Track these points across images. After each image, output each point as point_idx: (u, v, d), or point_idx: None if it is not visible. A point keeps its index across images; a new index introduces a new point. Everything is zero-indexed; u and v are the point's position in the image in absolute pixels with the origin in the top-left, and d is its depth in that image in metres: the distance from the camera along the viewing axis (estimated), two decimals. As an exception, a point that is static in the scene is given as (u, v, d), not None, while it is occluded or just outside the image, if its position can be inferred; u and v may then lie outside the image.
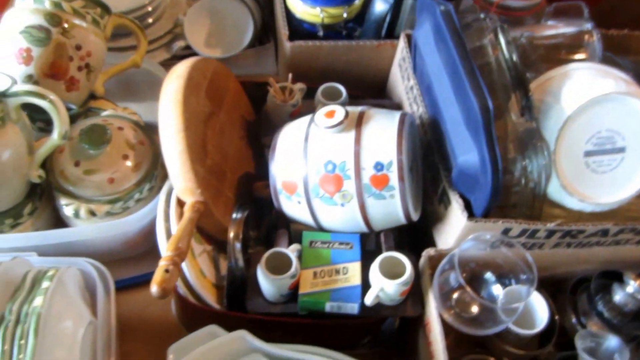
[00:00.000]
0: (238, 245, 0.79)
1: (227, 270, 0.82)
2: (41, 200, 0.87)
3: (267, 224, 0.89)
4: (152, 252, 0.92)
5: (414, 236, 0.88)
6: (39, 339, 0.59)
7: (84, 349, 0.68)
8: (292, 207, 0.81)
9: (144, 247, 0.92)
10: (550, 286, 0.86)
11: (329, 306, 0.76)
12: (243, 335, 0.73)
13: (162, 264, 0.69)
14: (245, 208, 0.83)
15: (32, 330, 0.59)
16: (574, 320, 0.85)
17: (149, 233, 0.88)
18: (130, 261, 0.92)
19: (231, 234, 0.79)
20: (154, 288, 0.67)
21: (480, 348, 0.84)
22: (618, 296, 0.82)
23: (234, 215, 0.82)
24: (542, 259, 0.80)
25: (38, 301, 0.61)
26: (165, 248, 0.76)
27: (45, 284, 0.64)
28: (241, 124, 0.95)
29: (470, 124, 0.72)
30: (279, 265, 0.76)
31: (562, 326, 0.85)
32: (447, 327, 0.75)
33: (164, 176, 0.88)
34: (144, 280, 0.92)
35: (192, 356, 0.72)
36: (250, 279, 0.80)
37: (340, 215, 0.78)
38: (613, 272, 0.85)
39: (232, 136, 0.91)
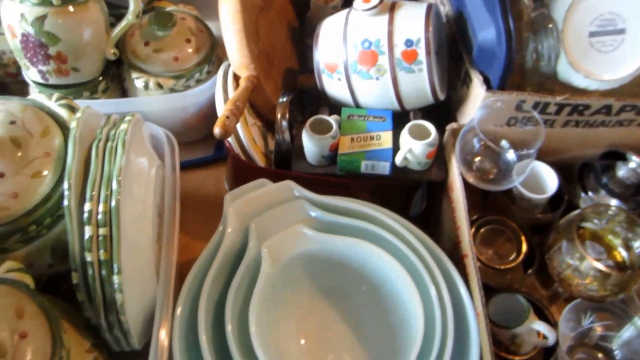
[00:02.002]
0: (285, 123, 0.91)
1: (274, 143, 0.93)
2: (113, 81, 1.00)
3: (310, 110, 1.01)
4: (206, 140, 1.05)
5: (439, 121, 0.98)
6: (125, 152, 0.70)
7: (155, 189, 0.80)
8: (333, 84, 0.92)
9: (200, 132, 1.05)
10: (560, 172, 0.95)
11: (364, 165, 0.87)
12: (289, 185, 0.85)
13: (223, 113, 0.81)
14: (290, 93, 0.95)
15: (120, 144, 0.71)
16: (582, 195, 0.95)
17: (205, 116, 1.01)
18: (188, 146, 1.04)
19: (279, 114, 0.91)
20: (216, 130, 0.79)
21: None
22: (621, 171, 0.92)
23: (281, 99, 0.93)
24: (553, 139, 0.90)
25: (123, 126, 0.73)
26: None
27: (127, 118, 0.76)
28: (287, 27, 1.07)
29: (488, 2, 0.83)
30: (320, 131, 0.88)
31: (570, 201, 0.95)
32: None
33: (219, 64, 1.00)
34: (199, 163, 1.06)
35: (244, 199, 0.83)
36: (295, 150, 0.92)
37: (375, 89, 0.90)
38: (617, 153, 0.95)
39: (280, 33, 1.03)
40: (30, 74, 0.93)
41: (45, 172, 0.72)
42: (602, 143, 0.96)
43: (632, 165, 0.92)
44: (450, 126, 0.91)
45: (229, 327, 0.71)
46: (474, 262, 0.79)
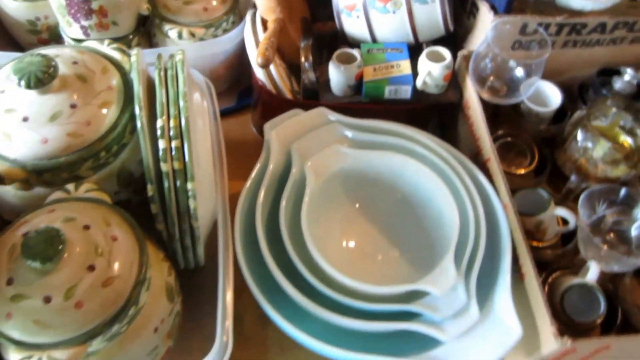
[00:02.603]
0: (308, 64, 0.99)
1: (300, 82, 1.01)
2: (143, 38, 1.08)
3: (327, 53, 1.09)
4: (229, 91, 1.13)
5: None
6: (185, 74, 0.77)
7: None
8: (352, 22, 1.01)
9: (225, 82, 1.14)
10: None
11: (387, 90, 0.96)
12: (322, 110, 0.93)
13: (262, 46, 0.89)
14: (310, 37, 1.03)
15: (180, 70, 0.78)
16: (583, 107, 1.04)
17: (231, 65, 1.09)
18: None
19: (303, 56, 0.99)
20: (259, 59, 0.88)
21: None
22: (617, 84, 1.02)
23: (302, 43, 1.02)
24: (553, 60, 0.98)
25: (178, 57, 0.81)
26: (254, 53, 0.96)
27: (178, 51, 0.83)
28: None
29: None
30: (346, 62, 0.96)
31: (572, 116, 1.04)
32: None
33: (241, 17, 1.09)
34: (224, 112, 1.13)
35: (283, 125, 0.91)
36: (320, 85, 1.00)
37: (391, 22, 0.99)
38: (612, 70, 1.04)
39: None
40: (71, 31, 1.00)
41: (111, 103, 0.79)
42: (597, 62, 1.05)
43: (626, 77, 1.01)
44: (462, 52, 1.01)
45: (283, 203, 0.83)
46: (497, 162, 0.88)
